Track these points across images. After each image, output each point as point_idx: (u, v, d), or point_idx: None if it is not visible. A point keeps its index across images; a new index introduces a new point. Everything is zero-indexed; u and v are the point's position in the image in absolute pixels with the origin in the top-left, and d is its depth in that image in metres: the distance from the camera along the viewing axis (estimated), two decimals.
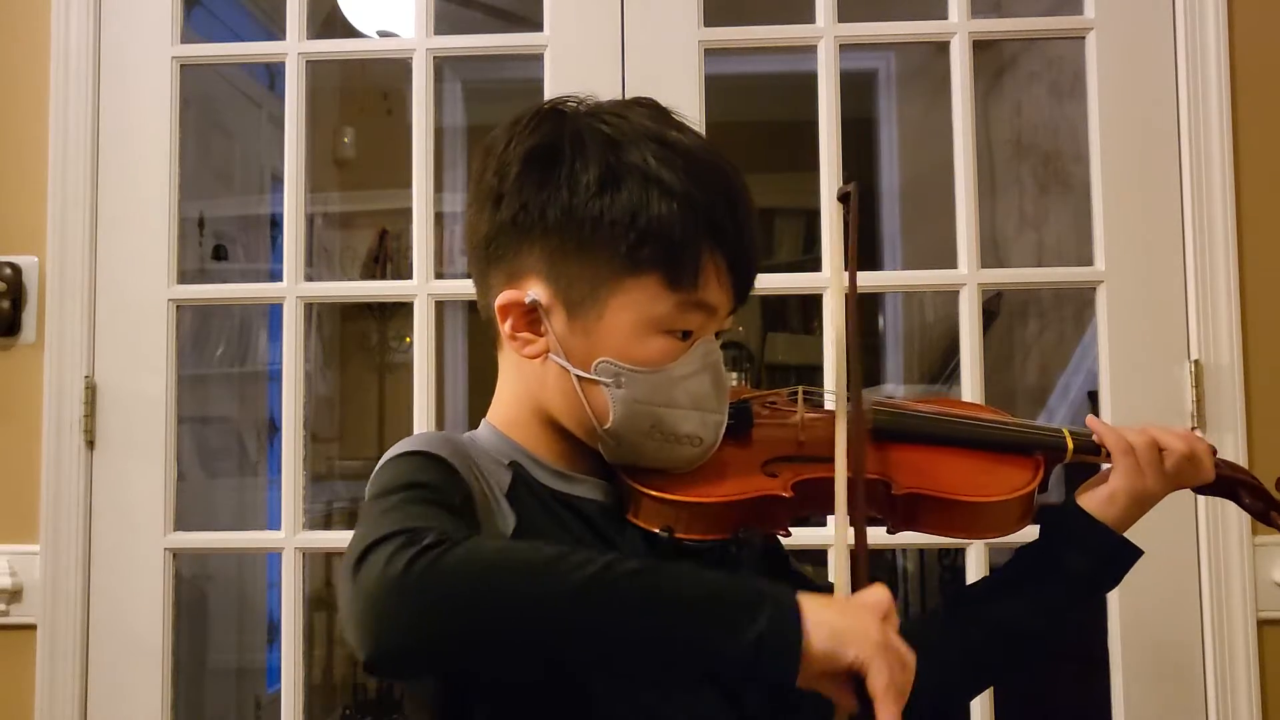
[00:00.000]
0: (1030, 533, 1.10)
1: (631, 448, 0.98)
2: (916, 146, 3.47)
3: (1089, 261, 1.83)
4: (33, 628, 1.81)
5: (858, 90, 3.57)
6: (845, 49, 1.86)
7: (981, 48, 1.93)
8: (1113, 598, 1.73)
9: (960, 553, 2.03)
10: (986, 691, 1.73)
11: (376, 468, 0.94)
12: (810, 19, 1.86)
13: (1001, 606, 1.10)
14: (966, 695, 1.15)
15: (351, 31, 2.96)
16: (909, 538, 1.09)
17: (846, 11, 1.86)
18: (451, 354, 3.76)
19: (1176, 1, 1.80)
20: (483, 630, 0.77)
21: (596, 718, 0.92)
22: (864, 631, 0.79)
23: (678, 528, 0.98)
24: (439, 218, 1.88)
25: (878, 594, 0.84)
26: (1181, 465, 1.07)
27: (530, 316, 0.98)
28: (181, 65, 1.92)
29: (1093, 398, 1.97)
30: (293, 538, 1.84)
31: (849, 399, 1.00)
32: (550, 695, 0.91)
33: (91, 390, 1.85)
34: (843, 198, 1.01)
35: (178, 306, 1.89)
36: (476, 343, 3.69)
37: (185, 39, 1.94)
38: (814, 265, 3.74)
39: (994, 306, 3.05)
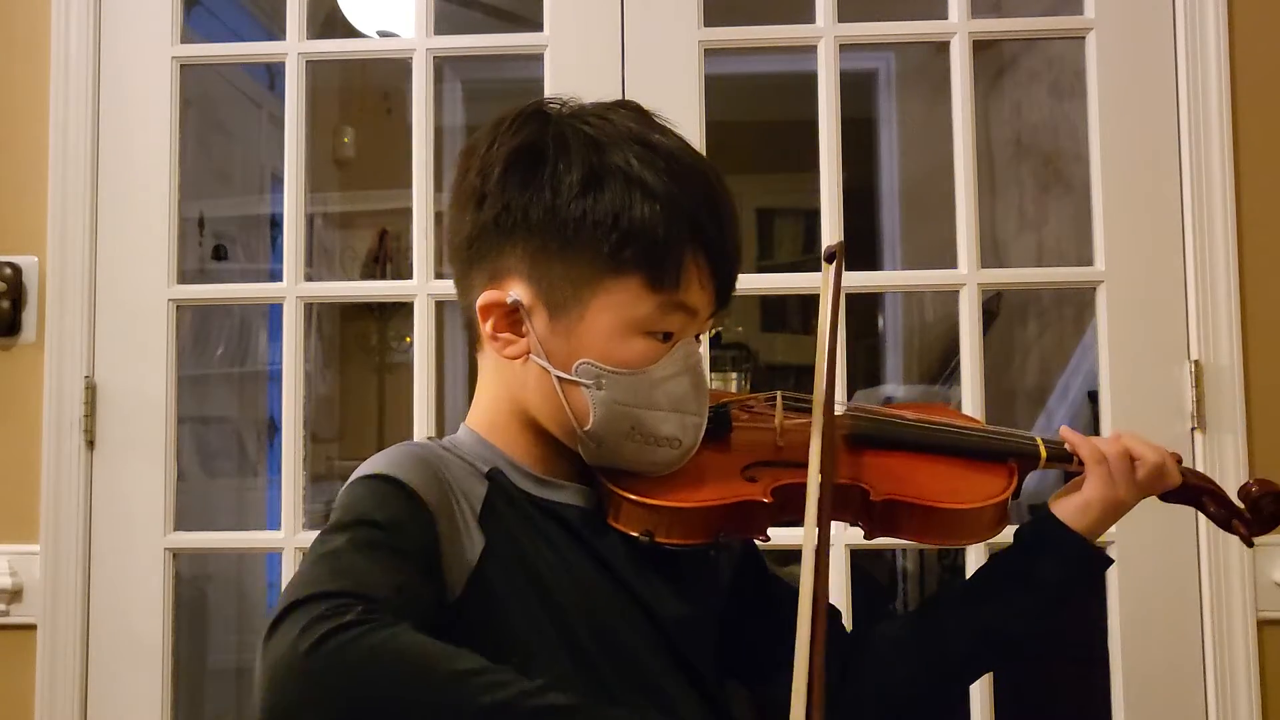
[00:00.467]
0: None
1: (611, 450, 0.98)
2: (916, 146, 3.46)
3: (1089, 262, 1.83)
4: (33, 628, 1.81)
5: (858, 90, 3.56)
6: (845, 49, 1.86)
7: (981, 48, 1.93)
8: (1113, 598, 1.73)
9: (960, 553, 2.03)
10: (986, 692, 1.73)
11: (347, 482, 0.94)
12: (810, 19, 1.86)
13: (973, 613, 1.09)
14: (936, 702, 1.14)
15: (351, 31, 2.96)
16: None
17: (846, 11, 1.86)
18: (451, 354, 3.75)
19: (1176, 1, 1.80)
20: None
21: None
22: None
23: (658, 532, 0.97)
24: (439, 218, 1.88)
25: None
26: (1152, 474, 1.07)
27: (512, 317, 0.98)
28: (181, 65, 1.92)
29: (1093, 398, 1.97)
30: (292, 538, 1.84)
31: (824, 412, 0.98)
32: None
33: (91, 390, 1.85)
34: (829, 257, 0.99)
35: (178, 306, 1.90)
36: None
37: (185, 39, 1.94)
38: (813, 265, 3.72)
39: (994, 307, 3.04)
